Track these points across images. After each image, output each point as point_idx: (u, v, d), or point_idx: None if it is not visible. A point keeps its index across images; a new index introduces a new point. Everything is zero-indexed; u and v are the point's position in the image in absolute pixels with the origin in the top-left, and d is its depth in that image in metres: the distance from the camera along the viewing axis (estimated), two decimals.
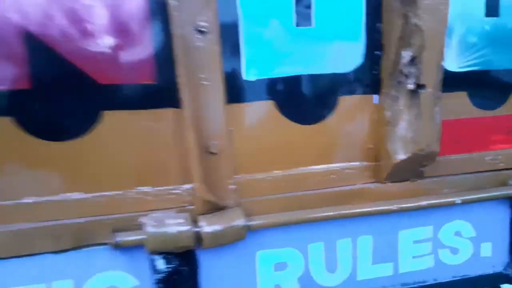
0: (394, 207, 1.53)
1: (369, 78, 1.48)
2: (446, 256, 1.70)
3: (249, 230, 1.40)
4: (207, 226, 1.33)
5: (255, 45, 1.36)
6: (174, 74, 1.29)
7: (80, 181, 1.31)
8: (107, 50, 1.24)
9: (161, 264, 1.38)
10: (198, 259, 1.43)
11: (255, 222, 1.40)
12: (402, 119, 1.44)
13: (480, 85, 1.61)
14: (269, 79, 1.40)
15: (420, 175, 1.58)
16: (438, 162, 1.52)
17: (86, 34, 1.22)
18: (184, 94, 1.25)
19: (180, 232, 1.30)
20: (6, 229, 1.26)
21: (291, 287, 1.54)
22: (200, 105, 1.28)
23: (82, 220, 1.32)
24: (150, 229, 1.29)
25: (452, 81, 1.52)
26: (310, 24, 1.39)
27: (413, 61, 1.37)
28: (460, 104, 1.60)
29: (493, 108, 1.65)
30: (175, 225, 1.30)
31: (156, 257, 1.37)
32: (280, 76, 1.41)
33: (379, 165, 1.55)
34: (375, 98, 1.51)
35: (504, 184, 1.68)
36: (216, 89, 1.30)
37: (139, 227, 1.33)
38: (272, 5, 1.35)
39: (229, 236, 1.36)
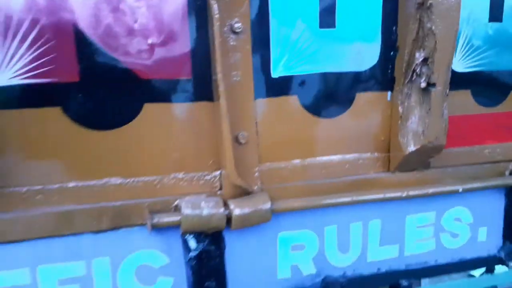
0: (403, 194, 1.65)
1: (384, 76, 1.60)
2: (446, 240, 1.84)
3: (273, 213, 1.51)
4: (237, 209, 1.44)
5: (282, 45, 1.46)
6: (209, 70, 1.39)
7: (120, 167, 1.41)
8: (149, 48, 1.33)
9: (192, 243, 1.50)
10: (225, 239, 1.54)
11: (279, 206, 1.52)
12: (413, 114, 1.55)
13: (482, 84, 1.73)
14: (293, 76, 1.51)
15: (427, 166, 1.70)
16: (442, 154, 1.63)
17: (131, 32, 1.31)
18: (218, 89, 1.33)
19: (212, 214, 1.41)
20: (51, 210, 1.36)
21: (306, 267, 1.67)
22: (232, 100, 1.38)
23: (120, 202, 1.41)
24: (186, 211, 1.40)
25: (457, 80, 1.62)
26: (333, 26, 1.49)
27: (425, 61, 1.47)
28: (464, 101, 1.72)
29: (493, 105, 1.77)
30: (209, 208, 1.41)
31: (188, 237, 1.49)
32: (304, 73, 1.52)
33: (390, 156, 1.67)
34: (389, 95, 1.63)
35: (501, 174, 1.82)
36: (246, 85, 1.41)
37: (173, 209, 1.45)
38: (299, 8, 1.45)
39: (256, 218, 1.47)
